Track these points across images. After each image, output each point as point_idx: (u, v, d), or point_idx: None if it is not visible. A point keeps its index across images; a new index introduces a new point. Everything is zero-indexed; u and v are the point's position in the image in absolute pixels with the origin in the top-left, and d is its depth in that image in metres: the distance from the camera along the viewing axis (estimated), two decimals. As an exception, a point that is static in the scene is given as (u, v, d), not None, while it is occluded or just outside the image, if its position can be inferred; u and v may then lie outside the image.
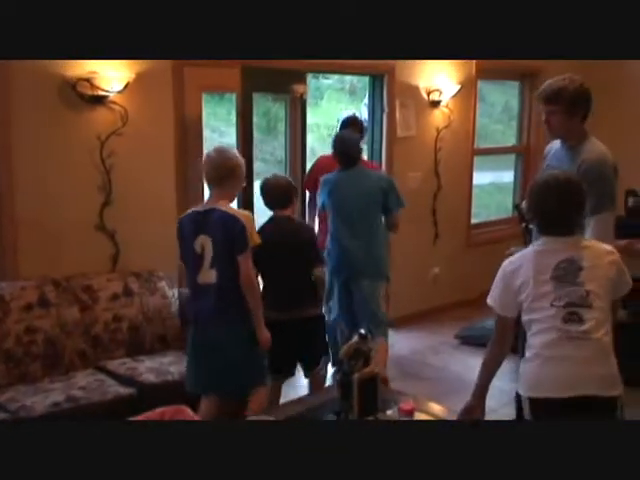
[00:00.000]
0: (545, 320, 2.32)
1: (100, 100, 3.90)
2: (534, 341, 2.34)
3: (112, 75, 3.89)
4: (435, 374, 4.89)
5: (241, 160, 3.25)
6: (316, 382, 3.84)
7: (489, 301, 2.51)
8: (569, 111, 3.05)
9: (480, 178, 7.65)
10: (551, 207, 2.42)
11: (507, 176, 7.52)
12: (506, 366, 2.60)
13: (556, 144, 3.28)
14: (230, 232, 3.09)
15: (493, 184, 8.21)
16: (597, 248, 2.44)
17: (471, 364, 5.03)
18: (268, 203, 3.67)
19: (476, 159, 6.44)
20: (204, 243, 3.14)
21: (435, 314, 6.04)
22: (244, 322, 3.17)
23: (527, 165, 7.02)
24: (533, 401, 2.30)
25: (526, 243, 4.59)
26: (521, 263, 2.44)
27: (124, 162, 4.07)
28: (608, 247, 2.48)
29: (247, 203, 4.51)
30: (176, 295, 4.12)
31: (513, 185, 7.24)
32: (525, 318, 2.40)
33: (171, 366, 3.68)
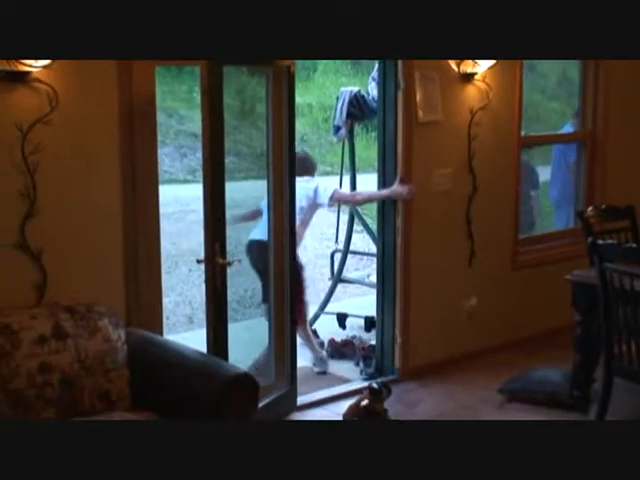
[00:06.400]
0: None
1: (20, 77, 4.01)
2: None
3: (36, 44, 4.02)
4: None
5: None
6: None
7: None
8: None
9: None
10: None
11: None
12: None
13: None
14: None
15: (548, 183, 8.33)
16: None
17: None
18: None
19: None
20: None
21: (470, 361, 6.17)
22: None
23: (592, 157, 7.16)
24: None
25: (592, 263, 4.71)
26: None
27: (53, 160, 4.18)
28: None
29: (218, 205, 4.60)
30: (123, 337, 4.19)
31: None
32: None
33: (117, 432, 3.77)
